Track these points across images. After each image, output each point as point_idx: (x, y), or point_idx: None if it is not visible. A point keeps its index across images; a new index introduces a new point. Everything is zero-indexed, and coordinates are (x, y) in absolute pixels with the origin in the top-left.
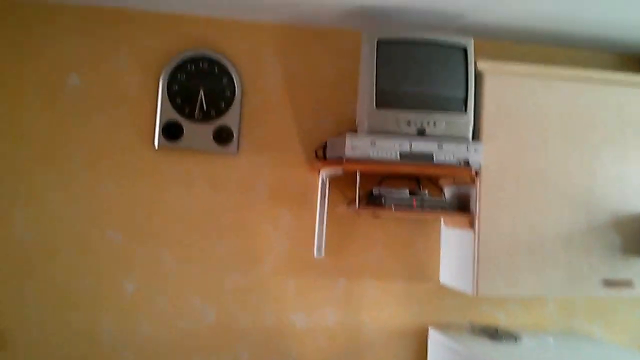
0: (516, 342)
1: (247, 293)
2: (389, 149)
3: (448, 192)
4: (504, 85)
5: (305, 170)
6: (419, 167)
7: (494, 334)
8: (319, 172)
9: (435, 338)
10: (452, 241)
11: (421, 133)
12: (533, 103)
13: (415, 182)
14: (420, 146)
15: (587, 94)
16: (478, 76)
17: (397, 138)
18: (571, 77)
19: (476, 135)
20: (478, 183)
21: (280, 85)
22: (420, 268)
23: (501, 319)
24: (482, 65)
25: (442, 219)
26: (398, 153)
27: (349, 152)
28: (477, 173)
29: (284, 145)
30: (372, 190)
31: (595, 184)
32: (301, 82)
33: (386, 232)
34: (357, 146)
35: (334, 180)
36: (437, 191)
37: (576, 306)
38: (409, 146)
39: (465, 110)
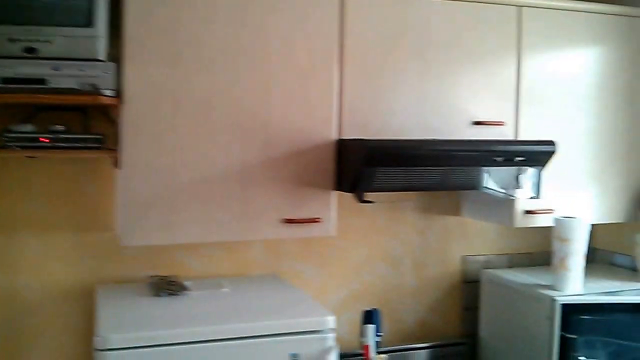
0: (184, 293)
1: None
2: None
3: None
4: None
5: None
6: (29, 95)
7: (164, 286)
8: None
9: (104, 296)
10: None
11: (30, 52)
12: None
13: (82, 114)
14: (28, 69)
15: None
16: None
17: None
18: None
19: (118, 57)
20: (122, 114)
21: None
22: (93, 217)
23: (196, 268)
24: None
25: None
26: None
27: None
28: (120, 102)
29: None
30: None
31: (272, 113)
32: None
33: (47, 176)
34: None
35: None
36: (107, 125)
37: (285, 247)
38: (13, 69)
39: (91, 23)
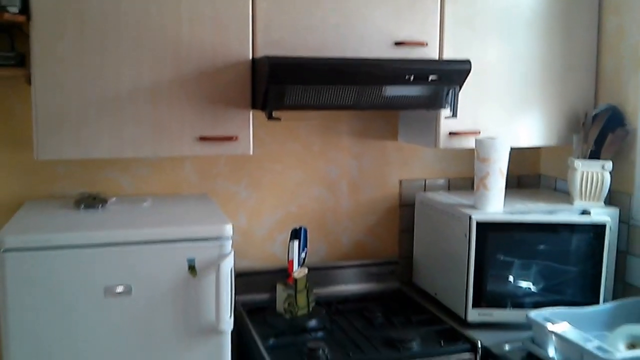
0: (103, 207)
1: None
2: None
3: None
4: None
5: None
6: None
7: (86, 201)
8: None
9: (26, 208)
10: None
11: None
12: None
13: (8, 35)
14: None
15: None
16: None
17: None
18: None
19: None
20: (30, 31)
21: None
22: (23, 135)
23: (128, 187)
24: None
25: None
26: None
27: None
28: (28, 19)
29: None
30: None
31: (182, 31)
32: None
33: None
34: None
35: None
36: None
37: (217, 169)
38: None
39: None
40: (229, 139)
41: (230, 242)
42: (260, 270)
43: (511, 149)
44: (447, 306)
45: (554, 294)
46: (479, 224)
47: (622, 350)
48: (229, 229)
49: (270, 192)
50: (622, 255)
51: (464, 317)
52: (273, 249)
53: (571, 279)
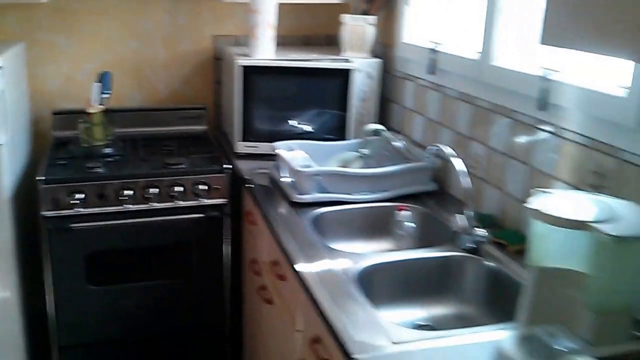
0: None
1: None
2: None
3: None
4: None
5: None
6: None
7: None
8: None
9: None
10: None
11: None
12: None
13: None
14: None
15: None
16: None
17: None
18: None
19: None
20: None
21: None
22: None
23: None
24: None
25: None
26: None
27: None
28: None
29: None
30: None
31: None
32: None
33: None
34: None
35: None
36: None
37: (38, 18)
38: None
39: None
40: None
41: None
42: (78, 110)
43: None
44: (230, 142)
45: (313, 133)
46: (245, 68)
47: (334, 165)
48: None
49: (88, 43)
50: (386, 102)
51: (234, 149)
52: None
53: (327, 120)
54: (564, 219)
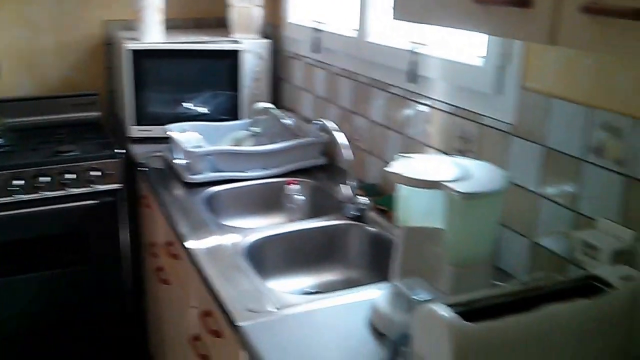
0: None
1: None
2: None
3: None
4: None
5: None
6: None
7: None
8: None
9: None
10: None
11: None
12: None
13: None
14: None
15: None
16: None
17: None
18: None
19: None
20: None
21: None
22: None
23: None
24: None
25: None
26: None
27: None
28: None
29: None
30: None
31: None
32: None
33: None
34: None
35: None
36: None
37: None
38: None
39: None
40: None
41: None
42: None
43: None
44: (124, 127)
45: (208, 114)
46: (134, 52)
47: (227, 145)
48: None
49: None
50: (278, 81)
51: (128, 133)
52: None
53: (221, 101)
54: (418, 179)
